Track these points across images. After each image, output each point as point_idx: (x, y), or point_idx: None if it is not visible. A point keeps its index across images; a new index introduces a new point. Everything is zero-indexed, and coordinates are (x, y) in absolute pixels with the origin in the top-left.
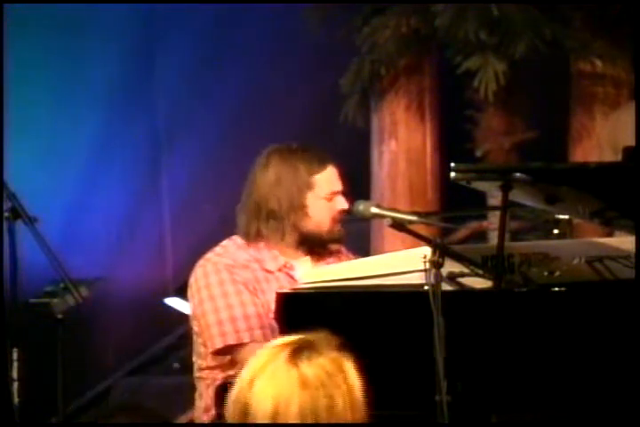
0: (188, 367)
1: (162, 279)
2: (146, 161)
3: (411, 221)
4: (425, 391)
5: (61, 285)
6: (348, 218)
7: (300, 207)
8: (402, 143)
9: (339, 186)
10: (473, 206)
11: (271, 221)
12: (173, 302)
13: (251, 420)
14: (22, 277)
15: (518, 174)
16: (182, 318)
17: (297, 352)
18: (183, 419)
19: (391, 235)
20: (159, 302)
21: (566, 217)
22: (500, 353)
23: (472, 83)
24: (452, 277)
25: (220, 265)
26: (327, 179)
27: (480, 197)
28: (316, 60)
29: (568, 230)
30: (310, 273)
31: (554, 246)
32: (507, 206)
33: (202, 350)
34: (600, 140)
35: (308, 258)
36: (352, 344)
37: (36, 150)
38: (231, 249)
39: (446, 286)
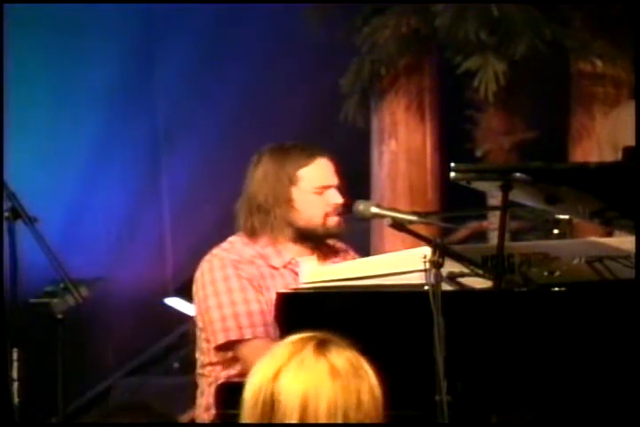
0: (188, 367)
1: (162, 279)
2: (146, 161)
3: (411, 221)
4: (425, 391)
5: (61, 285)
6: (348, 218)
7: (284, 201)
8: (402, 143)
9: (330, 180)
10: (473, 206)
11: (261, 216)
12: (173, 301)
13: (277, 413)
14: (22, 277)
15: (518, 174)
16: (182, 318)
17: (323, 344)
18: (183, 419)
19: (391, 235)
20: (159, 302)
21: (566, 217)
22: (500, 353)
23: (472, 83)
24: (452, 277)
25: (227, 260)
26: (315, 172)
27: (480, 197)
28: (315, 60)
29: (568, 230)
30: (310, 273)
31: (554, 246)
32: (507, 206)
33: (204, 345)
34: (600, 138)
35: (314, 257)
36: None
37: (36, 150)
38: (238, 245)
39: (446, 286)
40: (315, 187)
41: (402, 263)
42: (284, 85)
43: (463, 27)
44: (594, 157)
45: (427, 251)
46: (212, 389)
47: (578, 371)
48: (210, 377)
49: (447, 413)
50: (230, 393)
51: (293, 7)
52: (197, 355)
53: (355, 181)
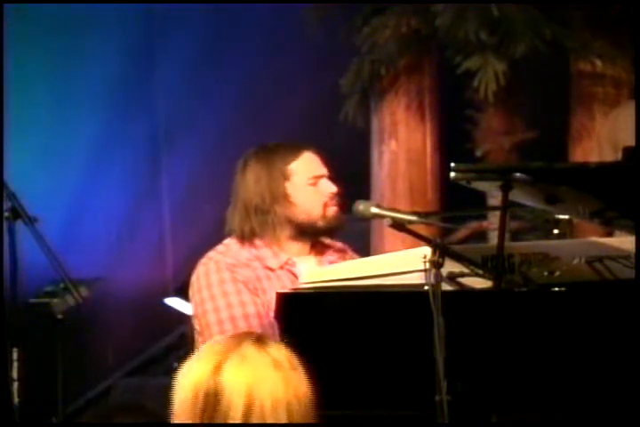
0: None
1: (162, 279)
2: (146, 161)
3: (411, 221)
4: (425, 391)
5: (61, 285)
6: (348, 218)
7: (282, 197)
8: (402, 143)
9: (321, 170)
10: (473, 206)
11: (260, 217)
12: (173, 302)
13: (221, 406)
14: (22, 277)
15: (518, 174)
16: (182, 318)
17: (261, 339)
18: None
19: (391, 235)
20: (159, 302)
21: (566, 217)
22: (500, 353)
23: (472, 83)
24: (452, 277)
25: (222, 264)
26: (304, 165)
27: (480, 197)
28: (315, 60)
29: (568, 230)
30: (310, 273)
31: (554, 246)
32: (507, 206)
33: None
34: (600, 138)
35: (311, 256)
36: (353, 344)
37: (36, 150)
38: (233, 247)
39: (446, 286)
40: (308, 178)
41: (402, 263)
42: (284, 85)
43: (463, 27)
44: (594, 157)
45: (427, 251)
46: None
47: (578, 371)
48: None
49: (447, 413)
50: None
51: (293, 7)
52: None
53: (355, 181)
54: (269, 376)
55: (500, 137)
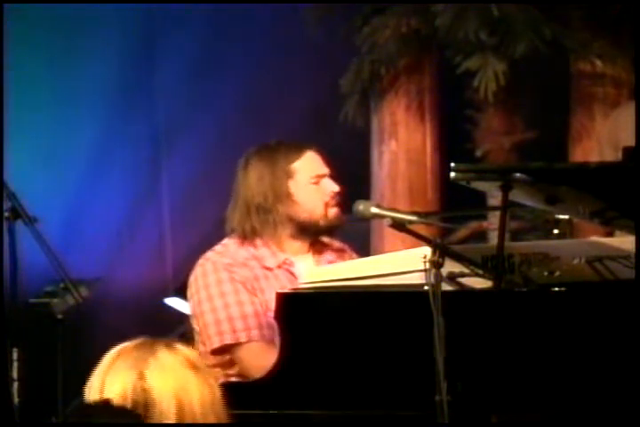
0: None
1: (162, 279)
2: (146, 161)
3: (411, 221)
4: (425, 391)
5: (61, 285)
6: (348, 218)
7: (285, 196)
8: (402, 143)
9: (323, 169)
10: (473, 206)
11: (262, 215)
12: (173, 301)
13: (153, 412)
14: (22, 277)
15: (518, 174)
16: (182, 318)
17: (170, 342)
18: None
19: (391, 235)
20: (159, 302)
21: (566, 217)
22: (500, 353)
23: (472, 83)
24: (452, 277)
25: (219, 264)
26: (307, 164)
27: (480, 197)
28: (316, 60)
29: (568, 230)
30: (310, 273)
31: (554, 246)
32: (507, 206)
33: (201, 348)
34: (600, 139)
35: (309, 255)
36: (352, 344)
37: (36, 150)
38: (231, 247)
39: (446, 286)
40: (311, 177)
41: (402, 263)
42: (284, 85)
43: (463, 27)
44: (594, 158)
45: (427, 251)
46: None
47: (578, 371)
48: None
49: (447, 413)
50: (230, 393)
51: (293, 7)
52: None
53: (355, 181)
54: (191, 379)
55: (500, 137)
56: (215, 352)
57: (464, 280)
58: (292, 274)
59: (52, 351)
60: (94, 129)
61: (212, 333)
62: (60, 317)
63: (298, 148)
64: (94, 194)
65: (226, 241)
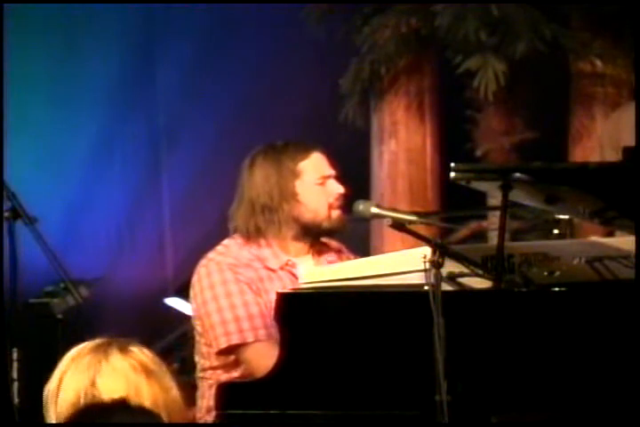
0: (188, 367)
1: (162, 279)
2: (146, 161)
3: (411, 221)
4: (425, 391)
5: (61, 285)
6: (348, 218)
7: (291, 196)
8: (402, 143)
9: (329, 170)
10: (473, 206)
11: (267, 215)
12: (173, 302)
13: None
14: (22, 277)
15: (518, 174)
16: (182, 318)
17: (124, 346)
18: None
19: (391, 235)
20: (159, 302)
21: (566, 217)
22: (500, 353)
23: (472, 83)
24: (452, 277)
25: (223, 265)
26: (314, 164)
27: (480, 197)
28: (316, 60)
29: (568, 230)
30: (310, 273)
31: (554, 246)
32: (507, 206)
33: (204, 350)
34: (601, 140)
35: (309, 256)
36: (352, 344)
37: (36, 150)
38: (233, 248)
39: (446, 286)
40: (316, 178)
41: (402, 263)
42: (284, 85)
43: (463, 27)
44: (595, 159)
45: (427, 251)
46: (213, 391)
47: (578, 371)
48: (211, 380)
49: (447, 413)
50: (232, 393)
51: (293, 7)
52: (197, 359)
53: (355, 181)
54: (143, 383)
55: (500, 137)
56: (221, 353)
57: (464, 280)
58: (294, 275)
59: (52, 351)
60: (94, 129)
61: (218, 333)
62: (60, 317)
63: (305, 148)
64: (94, 194)
65: (227, 242)
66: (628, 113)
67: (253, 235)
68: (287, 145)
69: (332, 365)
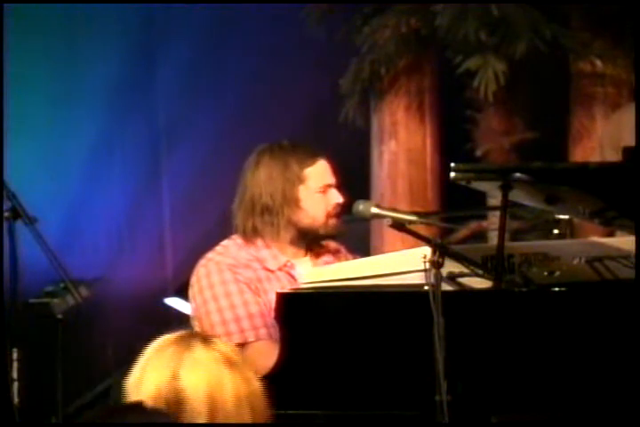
0: None
1: (162, 279)
2: (146, 161)
3: (411, 221)
4: (425, 391)
5: (61, 285)
6: (348, 218)
7: (293, 201)
8: (402, 143)
9: (331, 179)
10: (473, 206)
11: (266, 217)
12: (173, 302)
13: (185, 410)
14: (22, 277)
15: (518, 174)
16: (182, 318)
17: (207, 339)
18: None
19: (391, 235)
20: (159, 302)
21: (566, 217)
22: (500, 353)
23: (472, 83)
24: (451, 277)
25: (223, 265)
26: (319, 172)
27: (480, 197)
28: (315, 60)
29: (568, 230)
30: (310, 273)
31: (554, 246)
32: (507, 206)
33: None
34: (602, 140)
35: (307, 258)
36: (352, 344)
37: (36, 150)
38: (232, 248)
39: (446, 286)
40: (319, 186)
41: (402, 263)
42: (284, 85)
43: (463, 27)
44: (595, 158)
45: (427, 251)
46: None
47: (578, 371)
48: None
49: (447, 413)
50: None
51: (293, 7)
52: None
53: (355, 181)
54: (226, 375)
55: (499, 137)
56: None
57: (464, 280)
58: (292, 276)
59: (52, 351)
60: (95, 129)
61: (219, 333)
62: (60, 317)
63: (312, 154)
64: (94, 194)
65: (226, 242)
66: (629, 114)
67: (250, 235)
68: (295, 147)
69: (332, 365)
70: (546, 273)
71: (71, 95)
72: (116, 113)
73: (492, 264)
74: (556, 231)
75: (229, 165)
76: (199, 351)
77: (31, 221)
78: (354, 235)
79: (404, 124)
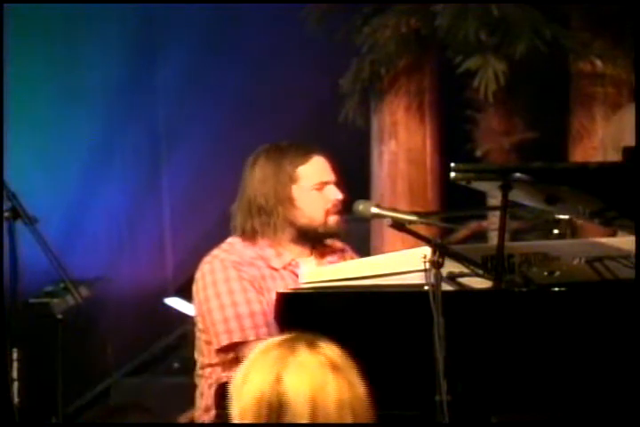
0: (188, 367)
1: (162, 279)
2: (146, 161)
3: (411, 221)
4: (425, 391)
5: (61, 285)
6: (348, 218)
7: (286, 200)
8: (402, 143)
9: (328, 176)
10: (473, 206)
11: (263, 217)
12: (173, 302)
13: (286, 414)
14: (22, 277)
15: (518, 174)
16: (182, 318)
17: (313, 341)
18: (183, 419)
19: (391, 235)
20: (159, 302)
21: (566, 217)
22: (500, 354)
23: (472, 83)
24: (451, 277)
25: (227, 262)
26: (313, 170)
27: (480, 197)
28: (316, 60)
29: (568, 230)
30: (310, 273)
31: (554, 246)
32: (507, 206)
33: (204, 347)
34: (603, 141)
35: (312, 258)
36: (352, 344)
37: (36, 150)
38: (237, 246)
39: (446, 286)
40: (314, 184)
41: (402, 263)
42: (284, 85)
43: (463, 27)
44: (595, 158)
45: (427, 251)
46: (212, 390)
47: (578, 371)
48: (210, 378)
49: (447, 413)
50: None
51: (293, 7)
52: (196, 356)
53: (355, 181)
54: (330, 380)
55: (499, 137)
56: (221, 350)
57: (464, 280)
58: (296, 275)
59: (52, 351)
60: (94, 129)
61: (219, 330)
62: (59, 317)
63: (305, 152)
64: (94, 194)
65: (231, 239)
66: (630, 114)
67: (249, 236)
68: (290, 147)
69: None
70: (546, 273)
71: (71, 95)
72: (116, 113)
73: (492, 264)
74: (556, 231)
75: (229, 166)
76: (304, 355)
77: (31, 221)
78: (354, 235)
79: (404, 124)
